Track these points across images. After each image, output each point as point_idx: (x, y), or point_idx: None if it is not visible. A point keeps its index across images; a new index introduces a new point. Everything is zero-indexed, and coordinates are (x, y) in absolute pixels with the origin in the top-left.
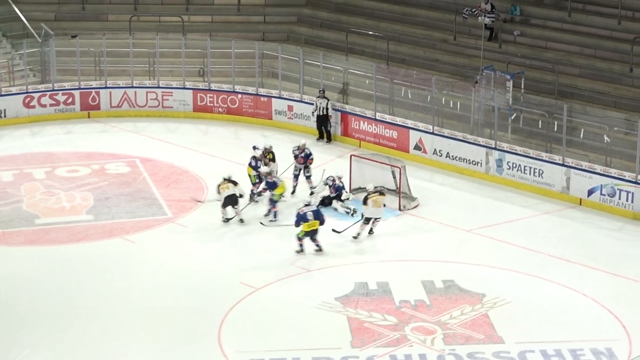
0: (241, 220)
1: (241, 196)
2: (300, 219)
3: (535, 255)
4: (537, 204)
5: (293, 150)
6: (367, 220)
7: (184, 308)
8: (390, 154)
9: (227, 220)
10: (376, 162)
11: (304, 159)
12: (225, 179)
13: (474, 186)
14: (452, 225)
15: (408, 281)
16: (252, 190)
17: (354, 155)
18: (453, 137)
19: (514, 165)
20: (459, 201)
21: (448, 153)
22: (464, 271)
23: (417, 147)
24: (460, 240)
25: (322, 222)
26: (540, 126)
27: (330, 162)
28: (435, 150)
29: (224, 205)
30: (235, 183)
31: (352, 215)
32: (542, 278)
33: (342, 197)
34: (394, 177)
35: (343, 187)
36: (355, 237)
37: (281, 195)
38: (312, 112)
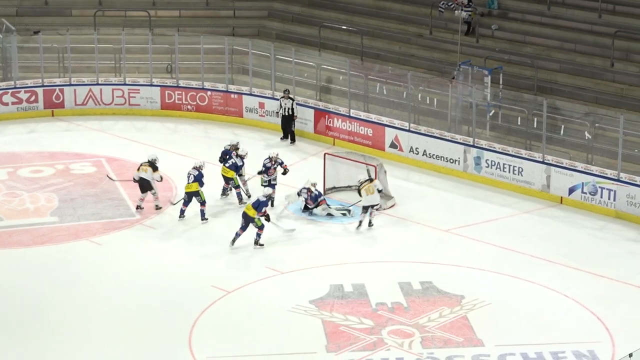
0: (157, 207)
1: (151, 186)
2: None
3: (516, 256)
4: (517, 202)
5: (265, 163)
6: (365, 208)
7: (153, 313)
8: (366, 152)
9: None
10: (351, 160)
11: (275, 170)
12: (146, 162)
13: (451, 185)
14: (429, 225)
15: (385, 283)
16: (238, 193)
17: (328, 154)
18: (430, 134)
19: (493, 163)
20: (437, 200)
21: (425, 151)
22: (442, 272)
23: (393, 145)
24: (438, 240)
25: (264, 215)
26: (519, 123)
27: (303, 161)
28: (411, 148)
29: (142, 191)
30: (155, 168)
31: (350, 215)
32: (523, 279)
33: (329, 204)
34: (370, 176)
35: (320, 194)
36: (357, 228)
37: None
38: (277, 112)
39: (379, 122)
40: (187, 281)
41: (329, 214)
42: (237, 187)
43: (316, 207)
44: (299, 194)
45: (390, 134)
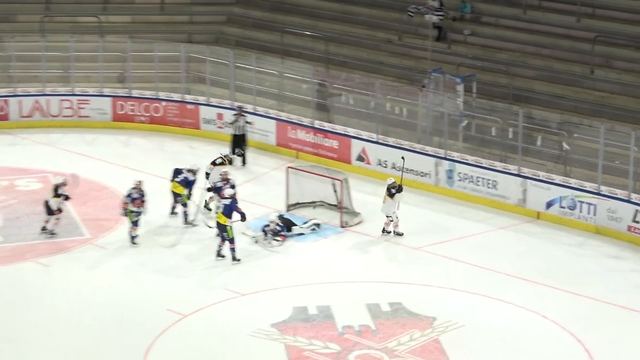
0: (50, 232)
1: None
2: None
3: (490, 274)
4: (492, 218)
5: (214, 183)
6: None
7: (104, 339)
8: (331, 165)
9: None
10: (315, 174)
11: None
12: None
13: (422, 200)
14: (399, 242)
15: (351, 305)
16: (185, 212)
17: (291, 168)
18: (399, 146)
19: (466, 177)
20: (407, 216)
21: (394, 164)
22: (412, 293)
23: (360, 158)
24: (409, 259)
25: (242, 215)
26: (493, 133)
27: (264, 175)
28: (379, 161)
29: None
30: (56, 194)
31: (319, 228)
32: (498, 299)
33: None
34: (335, 191)
35: (283, 228)
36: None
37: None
38: (229, 124)
39: (345, 133)
40: (140, 304)
41: (301, 233)
42: (184, 204)
43: (288, 229)
44: (264, 232)
45: (357, 146)
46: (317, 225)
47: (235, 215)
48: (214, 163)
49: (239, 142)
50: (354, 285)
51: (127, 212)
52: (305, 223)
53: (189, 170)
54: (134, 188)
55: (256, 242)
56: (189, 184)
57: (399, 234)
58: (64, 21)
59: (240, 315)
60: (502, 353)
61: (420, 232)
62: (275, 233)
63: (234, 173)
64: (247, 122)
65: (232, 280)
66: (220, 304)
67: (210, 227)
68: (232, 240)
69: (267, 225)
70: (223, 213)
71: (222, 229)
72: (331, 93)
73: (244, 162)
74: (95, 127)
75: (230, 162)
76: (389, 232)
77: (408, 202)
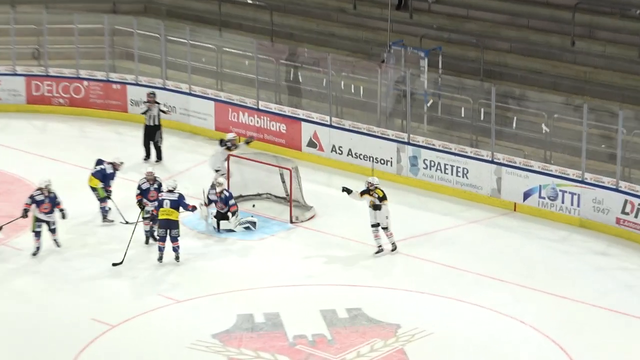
0: None
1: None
2: (159, 205)
3: (461, 275)
4: (462, 211)
5: (209, 194)
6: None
7: (21, 355)
8: (278, 152)
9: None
10: (260, 163)
11: (224, 203)
12: None
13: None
14: (357, 239)
15: (304, 311)
16: (103, 208)
17: (232, 155)
18: (356, 130)
19: (432, 164)
20: (365, 210)
21: (350, 150)
22: (373, 297)
23: (311, 144)
24: (368, 258)
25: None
26: (463, 115)
27: (202, 165)
28: (333, 147)
29: None
30: None
31: (255, 228)
32: (470, 302)
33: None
34: (283, 182)
35: (231, 196)
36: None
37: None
38: (141, 114)
39: (294, 115)
40: (61, 314)
41: (230, 230)
42: (102, 200)
43: (226, 214)
44: (208, 201)
45: (308, 130)
46: (253, 224)
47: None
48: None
49: (151, 135)
50: (306, 289)
51: (26, 215)
52: (237, 218)
53: (110, 163)
54: (39, 190)
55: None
56: (105, 177)
57: (394, 248)
58: None
59: (176, 324)
60: None
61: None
62: (224, 200)
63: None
64: (162, 111)
65: (166, 285)
66: (154, 312)
67: (127, 222)
68: (175, 239)
69: (216, 192)
70: (171, 207)
71: (172, 225)
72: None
73: (159, 157)
74: (7, 111)
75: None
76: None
77: None
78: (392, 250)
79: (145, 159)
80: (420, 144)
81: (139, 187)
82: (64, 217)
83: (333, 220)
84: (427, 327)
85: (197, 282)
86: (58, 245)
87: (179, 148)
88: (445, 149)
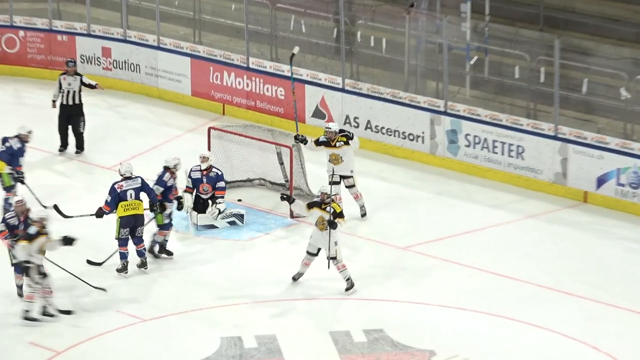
0: None
1: None
2: (114, 198)
3: (514, 286)
4: (516, 202)
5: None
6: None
7: None
8: (275, 125)
9: None
10: (251, 139)
11: (211, 184)
12: None
13: (412, 175)
14: (378, 239)
15: (308, 333)
16: (6, 200)
17: (214, 129)
18: (376, 95)
19: (477, 140)
20: (389, 201)
21: (369, 123)
22: (399, 314)
23: (318, 114)
24: (392, 264)
25: (153, 206)
26: (517, 76)
27: (175, 140)
28: (347, 118)
29: None
30: None
31: (242, 223)
32: (526, 322)
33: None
34: (282, 164)
35: (221, 176)
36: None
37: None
38: (53, 100)
39: (296, 77)
40: None
41: (210, 225)
42: (7, 189)
43: (206, 201)
44: (192, 184)
45: (314, 96)
46: (240, 217)
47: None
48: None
49: (69, 117)
50: (312, 304)
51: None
52: (221, 212)
53: (15, 137)
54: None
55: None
56: (13, 156)
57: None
58: None
59: (140, 350)
60: None
61: (410, 224)
62: (212, 180)
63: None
64: (84, 85)
65: (127, 299)
66: (111, 334)
67: (46, 207)
68: (141, 240)
69: (201, 170)
70: (136, 198)
71: (140, 221)
72: None
73: (80, 147)
74: None
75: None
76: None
77: (390, 180)
78: (347, 290)
79: (60, 149)
80: (461, 114)
81: (5, 222)
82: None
83: (346, 214)
84: (469, 354)
85: (169, 295)
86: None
87: (143, 119)
88: (494, 121)
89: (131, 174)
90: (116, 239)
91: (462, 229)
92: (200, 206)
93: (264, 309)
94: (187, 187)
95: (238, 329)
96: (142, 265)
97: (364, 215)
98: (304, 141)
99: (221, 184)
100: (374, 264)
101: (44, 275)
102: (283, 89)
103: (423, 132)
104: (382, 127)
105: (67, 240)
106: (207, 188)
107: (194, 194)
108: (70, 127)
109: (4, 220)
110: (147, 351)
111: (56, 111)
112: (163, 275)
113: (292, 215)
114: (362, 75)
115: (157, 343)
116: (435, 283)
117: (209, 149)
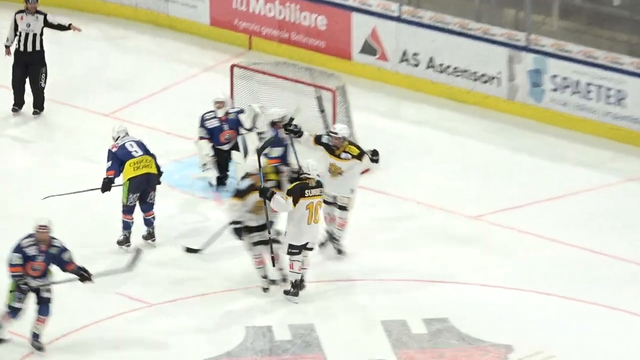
0: None
1: None
2: (114, 159)
3: (611, 267)
4: (614, 160)
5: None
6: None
7: None
8: (313, 62)
9: None
10: (284, 80)
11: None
12: None
13: (484, 127)
14: (440, 206)
15: (354, 323)
16: None
17: (238, 67)
18: (440, 26)
19: (566, 84)
20: (455, 159)
21: (431, 60)
22: (466, 300)
23: (368, 49)
24: (459, 237)
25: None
26: (617, 2)
27: (191, 80)
28: (404, 54)
29: None
30: None
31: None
32: (627, 311)
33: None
34: (322, 112)
35: (238, 117)
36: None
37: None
38: (6, 46)
39: (341, 2)
40: None
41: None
42: None
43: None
44: (207, 132)
45: (364, 27)
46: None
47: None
48: None
49: (27, 67)
50: (357, 286)
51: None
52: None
53: None
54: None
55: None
56: None
57: (339, 250)
58: None
59: (146, 344)
60: None
61: (481, 187)
62: (233, 123)
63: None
64: (49, 26)
65: (131, 279)
66: (112, 320)
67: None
68: (151, 206)
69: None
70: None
71: (152, 182)
72: None
73: (38, 106)
74: None
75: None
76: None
77: (457, 132)
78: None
79: (14, 109)
80: (547, 50)
81: (21, 250)
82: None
83: (401, 175)
84: (555, 349)
85: (181, 273)
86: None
87: (150, 54)
88: (588, 59)
89: (126, 134)
90: (124, 205)
91: (546, 195)
92: (223, 162)
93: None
94: (201, 137)
95: (267, 317)
96: (150, 236)
97: (340, 253)
98: (298, 133)
99: (244, 119)
100: (436, 237)
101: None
102: (324, 18)
103: (499, 73)
104: (448, 66)
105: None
106: (230, 136)
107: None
108: (27, 80)
109: (19, 248)
110: (150, 343)
111: (10, 59)
112: (175, 249)
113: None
114: (423, 2)
115: (163, 334)
116: (511, 261)
117: (231, 91)
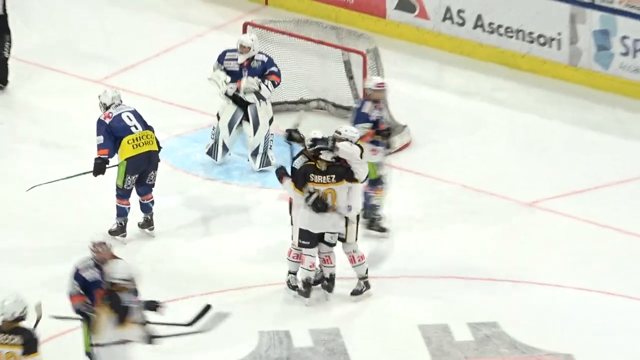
0: None
1: None
2: (107, 134)
3: None
4: None
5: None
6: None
7: None
8: (340, 21)
9: None
10: (306, 41)
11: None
12: None
13: (541, 97)
14: (489, 191)
15: (387, 326)
16: None
17: (252, 25)
18: None
19: (639, 47)
20: (507, 134)
21: (479, 19)
22: (519, 300)
23: (404, 5)
24: (511, 226)
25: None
26: None
27: (196, 40)
28: (448, 10)
29: None
30: None
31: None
32: None
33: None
34: (351, 79)
35: (270, 62)
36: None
37: None
38: None
39: None
40: None
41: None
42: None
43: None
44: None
45: None
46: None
47: None
48: None
49: None
50: (393, 284)
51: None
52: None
53: None
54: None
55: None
56: None
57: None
58: None
59: (147, 349)
60: None
61: (537, 170)
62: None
63: None
64: None
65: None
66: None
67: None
68: (150, 188)
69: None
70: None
71: (154, 161)
72: None
73: (2, 81)
74: None
75: None
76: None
77: (508, 104)
78: (356, 293)
79: None
80: (616, 7)
81: (79, 277)
82: None
83: (444, 154)
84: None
85: (185, 268)
86: None
87: (148, 10)
88: None
89: (120, 101)
90: (119, 188)
91: (614, 178)
92: (244, 108)
93: (322, 290)
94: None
95: (285, 320)
96: (148, 224)
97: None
98: (302, 142)
99: (274, 68)
100: (483, 227)
101: None
102: None
103: (559, 34)
104: (499, 26)
105: None
106: (250, 82)
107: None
108: None
109: (77, 274)
110: (151, 350)
111: None
112: (177, 240)
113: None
114: None
115: (165, 339)
116: (572, 256)
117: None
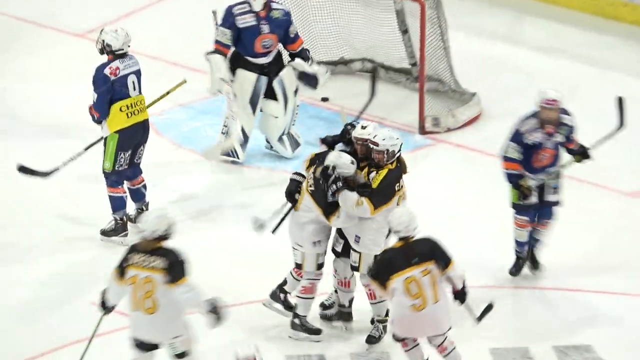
0: None
1: None
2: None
3: None
4: None
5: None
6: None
7: None
8: None
9: None
10: None
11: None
12: None
13: (632, 56)
14: (579, 178)
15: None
16: None
17: None
18: None
19: None
20: (605, 104)
21: None
22: (618, 317)
23: None
24: (609, 221)
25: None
26: None
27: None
28: None
29: None
30: None
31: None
32: None
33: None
34: (405, 33)
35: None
36: None
37: None
38: None
39: None
40: None
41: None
42: None
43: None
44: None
45: None
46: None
47: None
48: None
49: None
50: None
51: None
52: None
53: None
54: None
55: None
56: None
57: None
58: None
59: None
60: None
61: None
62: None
63: None
64: None
65: None
66: (99, 340)
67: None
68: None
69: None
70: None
71: (146, 133)
72: None
73: None
74: None
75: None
76: None
77: (605, 64)
78: (372, 341)
79: None
80: None
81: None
82: None
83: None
84: None
85: (195, 277)
86: None
87: None
88: None
89: (129, 47)
90: (108, 172)
91: None
92: (256, 91)
93: (365, 303)
94: (217, 42)
95: (319, 343)
96: (142, 211)
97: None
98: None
99: (294, 28)
100: (572, 223)
101: None
102: None
103: None
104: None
105: None
106: (271, 42)
107: (228, 56)
108: None
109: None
110: None
111: None
112: (179, 238)
113: (422, 130)
114: None
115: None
116: None
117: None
